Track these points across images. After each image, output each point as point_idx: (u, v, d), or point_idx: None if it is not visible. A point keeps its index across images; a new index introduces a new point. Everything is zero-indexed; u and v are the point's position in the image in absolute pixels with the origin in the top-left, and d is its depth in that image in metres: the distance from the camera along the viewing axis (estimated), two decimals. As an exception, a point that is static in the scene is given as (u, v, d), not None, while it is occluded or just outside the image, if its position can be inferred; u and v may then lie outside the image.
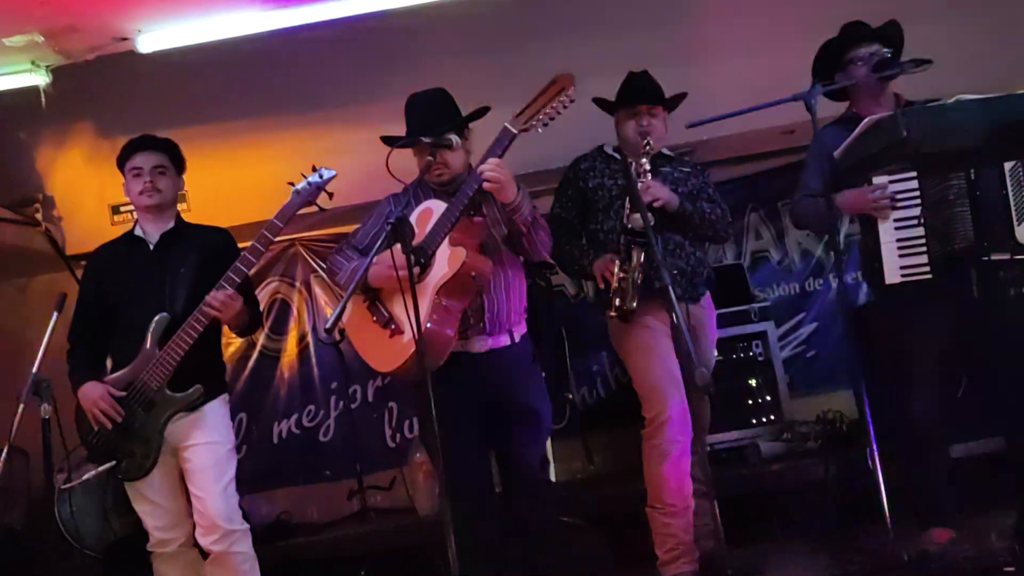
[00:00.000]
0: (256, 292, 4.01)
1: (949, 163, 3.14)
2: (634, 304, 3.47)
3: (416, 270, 3.04)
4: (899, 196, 3.29)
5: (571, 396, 5.15)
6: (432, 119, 3.34)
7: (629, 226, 3.42)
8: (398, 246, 2.99)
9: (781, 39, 4.73)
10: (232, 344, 5.31)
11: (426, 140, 3.30)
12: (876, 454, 3.08)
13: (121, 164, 3.52)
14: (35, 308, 5.28)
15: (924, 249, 3.26)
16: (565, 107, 3.17)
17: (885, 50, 3.50)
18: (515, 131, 3.17)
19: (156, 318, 3.32)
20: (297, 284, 5.68)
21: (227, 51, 4.33)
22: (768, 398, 4.92)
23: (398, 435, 5.47)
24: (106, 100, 5.16)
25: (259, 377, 5.56)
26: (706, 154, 5.25)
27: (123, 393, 3.32)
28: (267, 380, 5.58)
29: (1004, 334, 3.31)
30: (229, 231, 3.67)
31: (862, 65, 3.52)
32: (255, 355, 5.60)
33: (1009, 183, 3.21)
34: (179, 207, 3.73)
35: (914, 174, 3.24)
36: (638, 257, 3.44)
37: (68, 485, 4.00)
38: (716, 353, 4.03)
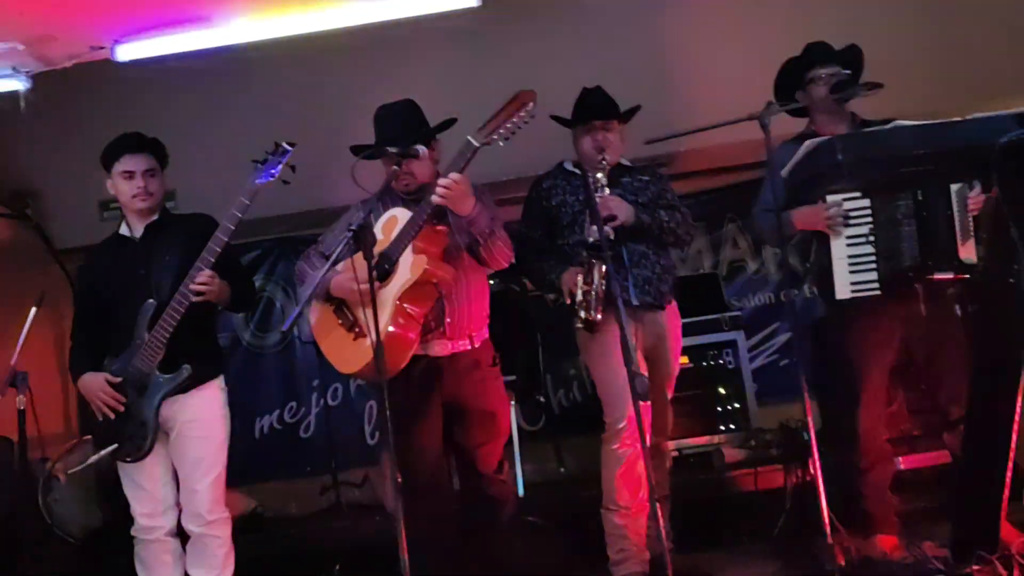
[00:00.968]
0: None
1: (891, 185, 3.23)
2: (598, 315, 3.56)
3: (377, 277, 3.15)
4: (851, 214, 3.36)
5: (542, 399, 5.24)
6: (400, 130, 3.45)
7: (590, 240, 3.50)
8: (360, 253, 3.11)
9: (759, 53, 4.85)
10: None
11: (392, 150, 3.41)
12: (818, 464, 3.17)
13: (108, 163, 3.56)
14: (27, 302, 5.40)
15: (874, 266, 3.34)
16: (526, 122, 3.25)
17: (844, 72, 3.58)
18: (477, 144, 3.26)
19: (143, 305, 3.43)
20: (281, 283, 5.81)
21: (205, 59, 4.47)
22: (736, 405, 4.99)
23: (377, 433, 5.58)
24: (93, 98, 5.30)
25: (243, 372, 5.68)
26: (683, 165, 5.37)
27: (119, 379, 3.43)
28: (251, 376, 5.72)
29: (948, 350, 3.42)
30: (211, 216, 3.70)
31: (822, 84, 3.59)
32: (240, 351, 5.75)
33: (955, 204, 3.29)
34: (167, 204, 3.79)
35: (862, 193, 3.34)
36: (599, 270, 3.53)
37: (74, 470, 4.03)
38: (684, 360, 4.12)
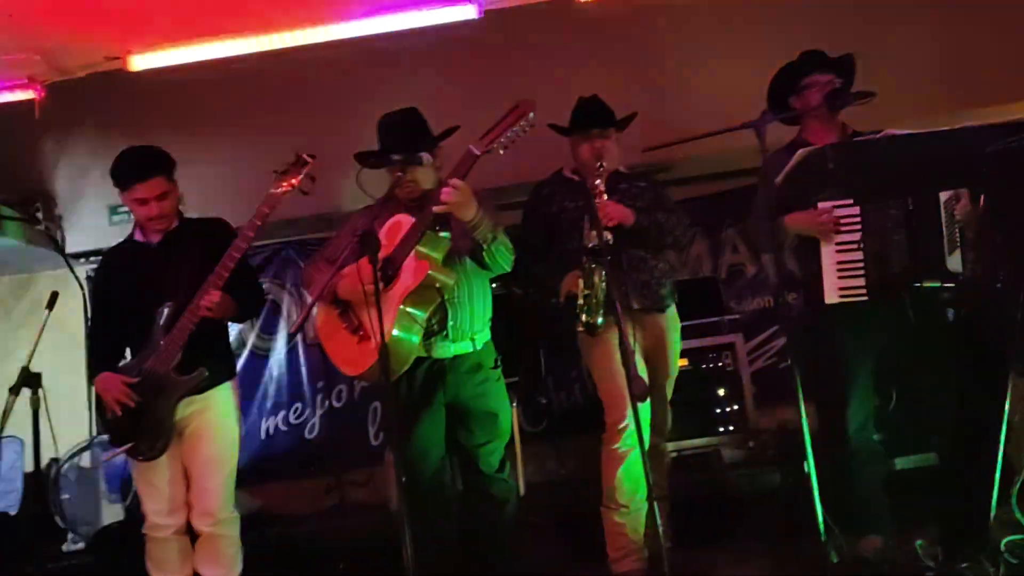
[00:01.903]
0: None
1: (881, 193, 3.29)
2: (599, 319, 3.64)
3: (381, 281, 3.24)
4: (842, 220, 3.40)
5: (543, 401, 5.31)
6: (404, 137, 3.53)
7: (589, 246, 3.56)
8: (366, 258, 3.19)
9: (754, 61, 4.93)
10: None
11: (396, 157, 3.49)
12: (813, 465, 3.23)
13: (118, 185, 3.59)
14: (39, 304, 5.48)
15: (862, 272, 3.38)
16: (526, 131, 3.33)
17: (838, 80, 3.63)
18: (478, 152, 3.34)
19: (160, 309, 3.50)
20: (287, 286, 5.89)
21: (217, 68, 4.55)
22: (735, 407, 5.06)
23: (381, 434, 5.65)
24: (106, 104, 5.36)
25: (249, 375, 5.75)
26: (682, 171, 5.44)
27: (136, 379, 3.50)
28: (256, 378, 5.81)
29: (936, 356, 3.47)
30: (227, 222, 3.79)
31: (817, 91, 3.62)
32: (246, 353, 5.83)
33: (943, 214, 3.34)
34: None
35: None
36: (599, 275, 3.60)
37: (106, 457, 3.98)
38: (684, 362, 4.21)
